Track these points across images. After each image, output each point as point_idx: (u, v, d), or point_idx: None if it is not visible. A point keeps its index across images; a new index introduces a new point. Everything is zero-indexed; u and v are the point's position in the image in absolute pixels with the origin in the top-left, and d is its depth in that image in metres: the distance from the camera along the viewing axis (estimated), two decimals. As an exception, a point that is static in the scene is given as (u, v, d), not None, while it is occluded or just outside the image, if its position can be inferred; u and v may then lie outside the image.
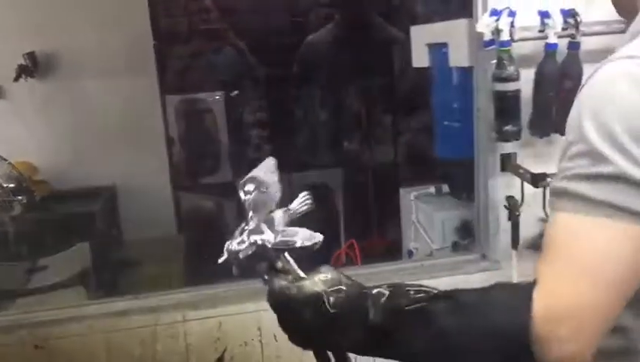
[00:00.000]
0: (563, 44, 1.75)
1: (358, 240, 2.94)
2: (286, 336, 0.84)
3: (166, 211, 3.65)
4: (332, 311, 0.75)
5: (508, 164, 1.89)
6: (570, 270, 0.70)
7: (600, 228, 0.69)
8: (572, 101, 1.84)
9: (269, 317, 1.84)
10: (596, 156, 0.69)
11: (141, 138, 3.32)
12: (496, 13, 1.74)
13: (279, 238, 0.80)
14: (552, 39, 1.72)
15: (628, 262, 0.69)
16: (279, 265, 0.81)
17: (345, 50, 3.80)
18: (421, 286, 0.78)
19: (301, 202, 0.91)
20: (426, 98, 2.55)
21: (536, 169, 1.78)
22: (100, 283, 2.63)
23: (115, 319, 1.80)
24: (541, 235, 1.85)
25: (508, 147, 1.88)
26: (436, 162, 2.52)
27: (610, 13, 1.79)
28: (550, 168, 1.77)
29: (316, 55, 3.75)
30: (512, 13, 1.72)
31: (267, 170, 0.90)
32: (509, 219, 1.89)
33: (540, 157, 1.87)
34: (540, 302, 0.70)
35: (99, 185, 3.17)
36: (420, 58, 2.37)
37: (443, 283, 1.79)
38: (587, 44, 1.76)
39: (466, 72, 2.03)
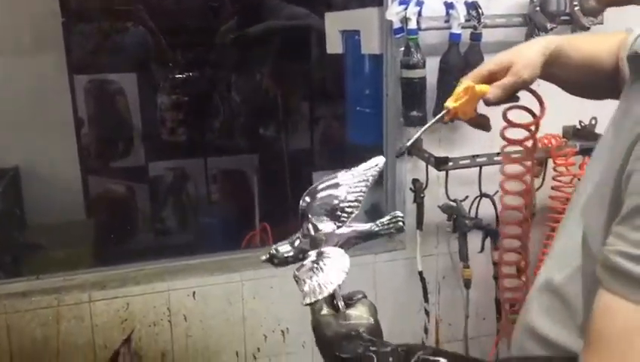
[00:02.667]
0: (467, 34, 1.84)
1: (273, 224, 2.96)
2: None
3: (75, 195, 3.53)
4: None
5: (414, 148, 1.97)
6: None
7: None
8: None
9: (178, 297, 1.86)
10: None
11: (48, 119, 3.18)
12: (404, 2, 1.80)
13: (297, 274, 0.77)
14: (456, 29, 1.80)
15: None
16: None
17: (264, 36, 3.81)
18: (437, 351, 0.74)
19: (387, 223, 0.83)
20: (341, 85, 2.60)
21: (440, 153, 1.86)
22: (0, 266, 2.52)
23: (15, 300, 1.74)
24: (444, 218, 1.95)
25: (414, 132, 1.94)
26: (349, 147, 2.57)
27: (510, 7, 1.92)
28: (452, 153, 1.88)
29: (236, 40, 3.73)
30: (419, 3, 1.79)
31: (361, 175, 0.82)
32: (415, 201, 1.97)
33: (443, 142, 1.96)
34: None
35: (0, 167, 3.03)
36: (334, 45, 2.40)
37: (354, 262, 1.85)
38: (488, 35, 1.86)
39: (377, 60, 2.08)
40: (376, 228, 0.83)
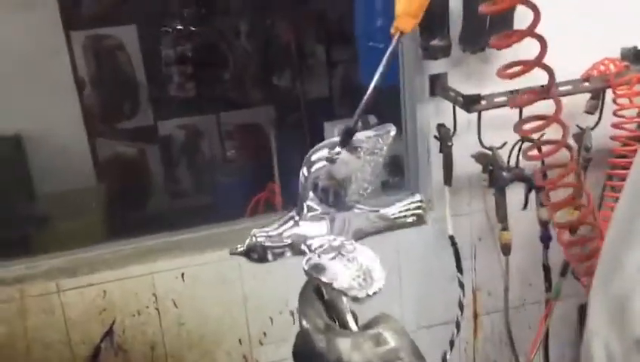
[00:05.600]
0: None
1: (293, 182, 2.68)
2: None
3: (83, 161, 3.33)
4: None
5: (437, 86, 1.61)
6: None
7: None
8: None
9: (164, 280, 1.57)
10: None
11: (46, 81, 2.93)
12: None
13: (314, 261, 0.52)
14: None
15: None
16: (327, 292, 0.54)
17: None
18: None
19: (403, 209, 0.62)
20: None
21: (470, 90, 1.51)
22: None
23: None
24: (478, 169, 1.61)
25: (437, 66, 1.59)
26: (363, 91, 2.23)
27: None
28: (485, 89, 1.51)
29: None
30: None
31: (372, 139, 0.59)
32: (441, 151, 1.63)
33: (473, 76, 1.60)
34: None
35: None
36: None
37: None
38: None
39: (389, -18, 1.72)
40: (397, 214, 0.61)
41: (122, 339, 1.58)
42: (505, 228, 1.60)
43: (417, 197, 0.61)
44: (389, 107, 1.83)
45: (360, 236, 0.60)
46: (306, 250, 0.55)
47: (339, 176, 0.57)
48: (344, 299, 0.52)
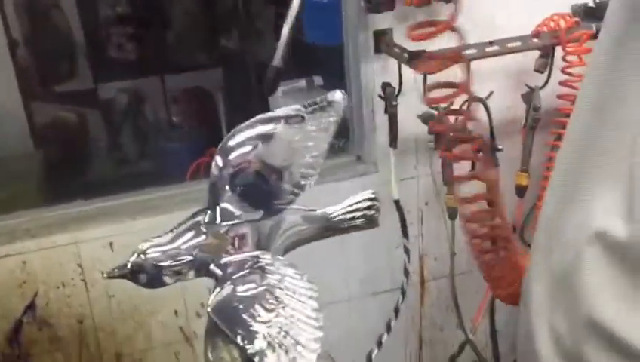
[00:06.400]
0: None
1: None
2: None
3: (18, 125, 3.14)
4: None
5: (382, 42, 1.53)
6: None
7: None
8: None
9: (90, 250, 1.46)
10: None
11: None
12: None
13: (224, 297, 0.44)
14: None
15: None
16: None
17: None
18: None
19: (350, 210, 0.51)
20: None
21: (415, 46, 1.43)
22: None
23: None
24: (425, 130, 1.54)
25: (382, 21, 1.51)
26: (308, 50, 2.12)
27: None
28: (432, 45, 1.43)
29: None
30: None
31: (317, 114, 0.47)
32: (386, 111, 1.55)
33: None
34: None
35: None
36: None
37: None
38: None
39: None
40: (341, 216, 0.50)
41: (47, 313, 1.48)
42: (451, 192, 1.54)
43: (369, 193, 0.50)
44: (332, 66, 1.74)
45: (293, 246, 0.48)
46: (217, 273, 0.44)
47: (275, 160, 0.46)
48: None
